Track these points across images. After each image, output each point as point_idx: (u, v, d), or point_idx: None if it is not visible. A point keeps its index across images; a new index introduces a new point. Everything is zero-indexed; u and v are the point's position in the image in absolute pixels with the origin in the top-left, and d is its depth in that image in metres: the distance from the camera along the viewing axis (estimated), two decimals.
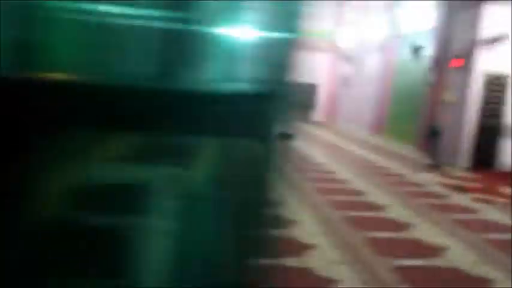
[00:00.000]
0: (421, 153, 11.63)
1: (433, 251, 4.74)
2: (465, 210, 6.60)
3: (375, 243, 4.82)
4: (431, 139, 10.54)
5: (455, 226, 5.67)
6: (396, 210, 6.21)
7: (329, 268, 4.06)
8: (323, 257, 4.32)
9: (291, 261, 4.16)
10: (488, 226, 5.85)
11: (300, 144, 12.31)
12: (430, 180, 8.65)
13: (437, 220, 5.88)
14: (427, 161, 10.55)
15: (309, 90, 20.91)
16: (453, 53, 10.95)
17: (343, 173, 8.77)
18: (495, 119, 10.58)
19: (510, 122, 10.49)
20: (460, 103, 10.53)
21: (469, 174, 9.64)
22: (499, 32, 9.90)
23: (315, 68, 20.81)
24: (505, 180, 9.03)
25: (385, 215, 5.99)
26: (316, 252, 4.43)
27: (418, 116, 12.66)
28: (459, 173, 9.67)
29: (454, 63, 10.82)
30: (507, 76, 10.41)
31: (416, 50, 13.17)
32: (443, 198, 7.22)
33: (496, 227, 5.85)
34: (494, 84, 10.44)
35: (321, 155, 10.82)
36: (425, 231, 5.37)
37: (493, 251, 4.86)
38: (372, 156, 11.30)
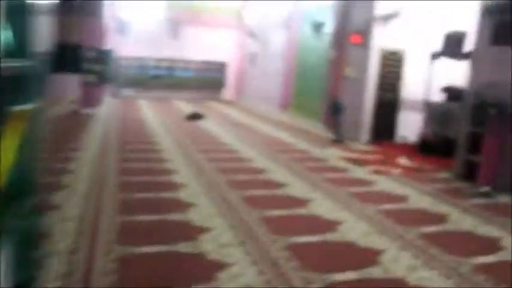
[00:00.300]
0: (326, 128, 11.87)
1: (328, 225, 4.76)
2: (363, 183, 6.76)
3: (271, 221, 4.76)
4: (334, 114, 10.77)
5: (351, 199, 5.77)
6: (296, 187, 6.22)
7: (222, 251, 3.92)
8: (216, 239, 4.18)
9: (183, 247, 3.99)
10: (382, 197, 6.01)
11: (207, 124, 12.12)
12: (332, 155, 8.82)
13: (334, 194, 5.96)
14: (331, 136, 10.78)
15: (219, 68, 20.72)
16: (352, 29, 11.18)
17: (247, 151, 8.69)
18: (392, 93, 10.99)
19: (406, 97, 10.95)
20: (360, 79, 10.81)
21: (370, 148, 9.96)
22: (393, 9, 10.22)
23: (223, 46, 20.62)
24: (402, 152, 9.43)
25: (284, 192, 5.97)
26: (210, 235, 4.28)
27: (322, 91, 12.89)
28: (361, 147, 9.96)
29: (353, 39, 11.05)
30: (402, 52, 10.82)
31: (318, 27, 13.33)
32: (342, 172, 7.36)
33: (390, 197, 6.03)
34: (391, 60, 10.82)
35: (226, 134, 10.69)
36: (322, 206, 5.41)
37: (385, 222, 4.98)
38: (278, 133, 11.35)
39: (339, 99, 10.86)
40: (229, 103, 19.19)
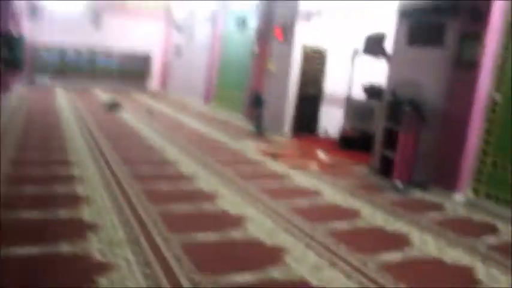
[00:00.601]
0: (248, 121, 11.58)
1: (233, 222, 4.42)
2: (276, 177, 6.48)
3: (172, 218, 4.35)
4: (255, 107, 10.49)
5: (262, 194, 5.46)
6: (205, 181, 5.83)
7: (110, 251, 3.46)
8: (106, 238, 3.71)
9: (67, 247, 3.49)
10: (294, 192, 5.75)
11: (124, 114, 11.46)
12: (250, 147, 8.52)
13: (245, 189, 5.63)
14: (252, 129, 10.49)
15: (144, 59, 19.91)
16: (275, 25, 10.97)
17: (159, 142, 8.20)
18: (315, 89, 10.88)
19: (328, 92, 10.88)
20: (283, 73, 10.60)
21: (290, 141, 9.76)
22: (316, 7, 10.12)
23: (149, 37, 19.85)
24: (322, 146, 9.31)
25: (190, 186, 5.56)
26: (99, 233, 3.80)
27: (245, 85, 12.60)
28: (281, 140, 9.75)
29: (276, 34, 10.84)
30: (325, 50, 10.75)
31: (242, 22, 13.03)
32: (256, 166, 7.06)
33: (302, 192, 5.79)
34: (314, 57, 10.69)
35: (141, 124, 10.11)
36: (230, 202, 5.06)
37: (294, 218, 4.71)
38: (196, 125, 10.92)
39: (260, 92, 10.59)
40: (153, 94, 18.47)
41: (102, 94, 16.61)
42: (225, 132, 10.07)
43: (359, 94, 9.57)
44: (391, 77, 7.31)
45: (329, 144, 9.62)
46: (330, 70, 10.82)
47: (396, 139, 6.50)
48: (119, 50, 19.26)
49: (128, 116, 11.42)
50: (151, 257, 3.45)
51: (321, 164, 7.66)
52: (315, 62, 10.74)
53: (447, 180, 6.21)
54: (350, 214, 5.04)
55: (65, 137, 7.89)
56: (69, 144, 7.37)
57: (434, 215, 5.30)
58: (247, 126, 11.06)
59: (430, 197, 6.13)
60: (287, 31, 10.51)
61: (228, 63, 14.30)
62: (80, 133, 8.45)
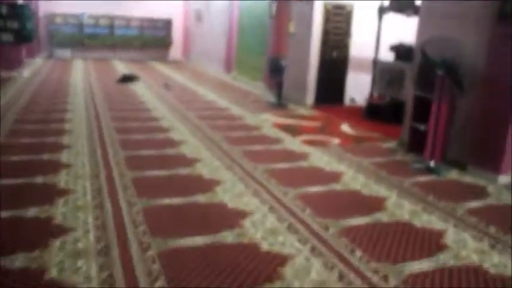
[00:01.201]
0: (268, 91, 10.78)
1: (230, 217, 3.72)
2: (291, 156, 5.72)
3: (163, 215, 3.70)
4: (274, 75, 9.66)
5: (269, 180, 4.73)
6: (208, 165, 5.13)
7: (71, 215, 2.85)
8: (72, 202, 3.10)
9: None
10: (309, 176, 4.99)
11: (139, 87, 10.84)
12: (267, 121, 7.75)
13: (251, 174, 4.91)
14: (272, 99, 9.70)
15: (165, 27, 19.15)
16: None
17: (170, 120, 7.52)
18: (340, 51, 9.93)
19: (355, 55, 9.92)
20: (304, 35, 9.68)
21: (313, 113, 8.93)
22: None
23: (169, 2, 19.02)
24: (348, 117, 8.46)
25: (192, 172, 4.88)
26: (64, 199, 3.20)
27: (265, 50, 11.71)
28: (303, 112, 8.94)
29: None
30: (351, 6, 9.71)
31: None
32: (271, 143, 6.30)
33: (318, 176, 5.03)
34: (337, 14, 9.69)
35: (155, 99, 9.45)
36: (230, 190, 4.36)
37: (302, 212, 3.98)
38: (213, 97, 10.18)
39: (279, 58, 9.73)
40: (174, 64, 17.77)
41: (120, 65, 16.02)
42: (242, 105, 9.31)
43: (388, 56, 8.62)
44: (421, 34, 6.33)
45: (356, 115, 8.76)
46: (357, 30, 9.81)
47: (428, 109, 5.61)
48: (137, 17, 18.54)
49: (142, 88, 10.78)
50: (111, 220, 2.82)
51: (344, 139, 6.85)
52: (338, 20, 9.74)
53: (489, 160, 5.30)
54: (373, 205, 4.26)
55: (66, 109, 7.34)
56: (69, 117, 6.80)
57: (474, 204, 4.47)
58: (268, 96, 10.26)
59: (469, 179, 5.27)
60: None
61: (246, 27, 13.36)
62: (85, 107, 7.87)
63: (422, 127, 5.79)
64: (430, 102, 5.58)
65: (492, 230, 3.86)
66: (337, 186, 4.72)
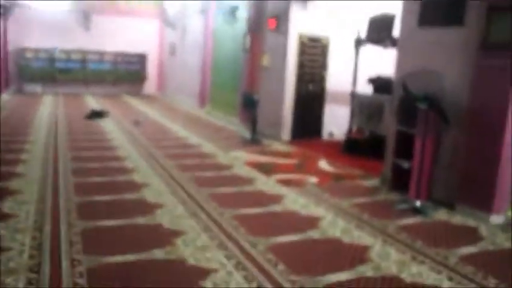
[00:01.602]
0: (243, 126, 10.34)
1: (195, 276, 3.17)
2: (263, 199, 5.20)
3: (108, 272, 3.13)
4: (247, 109, 9.23)
5: (237, 228, 4.20)
6: (172, 211, 4.59)
7: None
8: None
9: None
10: (282, 223, 4.48)
11: (107, 123, 10.30)
12: (239, 159, 7.26)
13: (215, 222, 4.37)
14: (246, 135, 9.24)
15: (139, 60, 18.75)
16: (268, 14, 9.67)
17: (135, 158, 6.98)
18: (317, 84, 9.59)
19: (332, 88, 9.58)
20: (278, 69, 9.33)
21: (289, 148, 8.47)
22: None
23: (143, 37, 18.71)
24: (326, 152, 8.03)
25: (151, 220, 4.32)
26: None
27: (239, 84, 11.32)
28: (279, 147, 8.48)
29: (270, 24, 9.54)
30: (327, 38, 9.43)
31: (232, 13, 11.70)
32: (242, 184, 5.77)
33: (292, 223, 4.52)
34: (313, 47, 9.39)
35: (121, 135, 8.90)
36: (193, 244, 3.81)
37: (273, 271, 3.45)
38: (186, 133, 9.67)
39: (252, 92, 9.33)
40: (148, 99, 17.28)
41: (92, 100, 15.47)
42: (215, 141, 8.81)
43: (366, 89, 8.28)
44: (400, 67, 5.98)
45: (334, 150, 8.35)
46: (333, 62, 9.50)
47: (411, 144, 5.20)
48: (111, 52, 18.12)
49: (110, 125, 10.23)
50: None
51: (322, 177, 6.38)
52: (314, 53, 9.43)
53: (479, 198, 4.87)
54: (355, 255, 3.75)
55: (23, 149, 6.75)
56: (24, 157, 6.22)
57: (468, 249, 4.00)
58: (243, 132, 9.81)
59: (458, 219, 4.83)
60: (281, 19, 9.21)
61: (220, 61, 13.02)
62: (44, 146, 7.29)
63: (405, 164, 5.36)
64: (412, 138, 5.18)
65: (492, 282, 3.39)
66: (314, 234, 4.20)
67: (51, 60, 17.56)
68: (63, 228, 4.00)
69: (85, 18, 17.86)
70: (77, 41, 17.60)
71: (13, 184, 5.24)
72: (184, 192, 5.28)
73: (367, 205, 5.17)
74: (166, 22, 17.86)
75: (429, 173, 5.02)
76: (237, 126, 10.73)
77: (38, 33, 17.09)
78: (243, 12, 11.10)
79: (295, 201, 5.15)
